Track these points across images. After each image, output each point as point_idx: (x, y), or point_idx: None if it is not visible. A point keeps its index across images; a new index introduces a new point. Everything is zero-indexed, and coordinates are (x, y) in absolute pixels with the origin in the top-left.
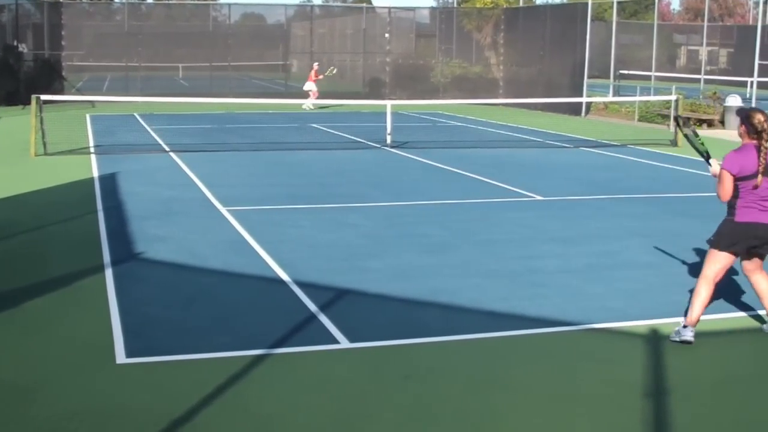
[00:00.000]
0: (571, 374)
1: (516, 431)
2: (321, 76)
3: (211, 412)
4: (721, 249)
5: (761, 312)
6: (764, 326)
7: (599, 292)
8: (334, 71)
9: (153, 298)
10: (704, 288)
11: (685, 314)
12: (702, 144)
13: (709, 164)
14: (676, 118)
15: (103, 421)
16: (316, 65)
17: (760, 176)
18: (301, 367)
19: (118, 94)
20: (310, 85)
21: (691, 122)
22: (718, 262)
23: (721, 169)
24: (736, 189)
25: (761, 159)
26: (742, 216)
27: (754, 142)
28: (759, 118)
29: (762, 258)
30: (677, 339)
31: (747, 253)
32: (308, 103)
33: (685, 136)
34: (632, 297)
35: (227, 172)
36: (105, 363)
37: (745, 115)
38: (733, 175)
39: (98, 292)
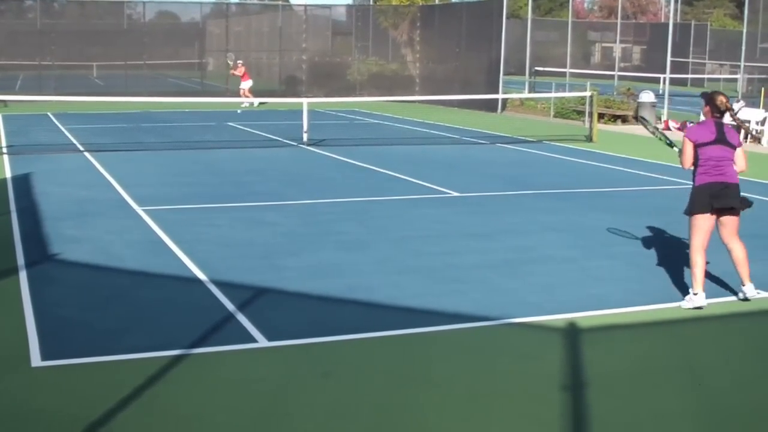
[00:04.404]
0: (490, 369)
1: (436, 427)
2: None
3: (129, 414)
4: (694, 212)
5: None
6: (739, 293)
7: (517, 287)
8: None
9: (69, 300)
10: (697, 257)
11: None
12: (662, 137)
13: (674, 148)
14: (638, 118)
15: (17, 425)
16: (239, 63)
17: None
18: (220, 366)
19: (31, 93)
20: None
21: (652, 122)
22: (699, 229)
23: (684, 137)
24: (696, 158)
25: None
26: (700, 180)
27: (716, 119)
28: (721, 99)
29: (734, 217)
30: (690, 306)
31: (718, 218)
32: (246, 102)
33: (652, 132)
34: (549, 291)
35: (143, 172)
36: (19, 366)
37: (708, 97)
38: (692, 142)
39: (12, 294)
